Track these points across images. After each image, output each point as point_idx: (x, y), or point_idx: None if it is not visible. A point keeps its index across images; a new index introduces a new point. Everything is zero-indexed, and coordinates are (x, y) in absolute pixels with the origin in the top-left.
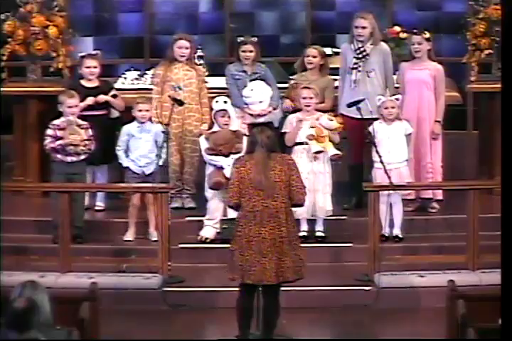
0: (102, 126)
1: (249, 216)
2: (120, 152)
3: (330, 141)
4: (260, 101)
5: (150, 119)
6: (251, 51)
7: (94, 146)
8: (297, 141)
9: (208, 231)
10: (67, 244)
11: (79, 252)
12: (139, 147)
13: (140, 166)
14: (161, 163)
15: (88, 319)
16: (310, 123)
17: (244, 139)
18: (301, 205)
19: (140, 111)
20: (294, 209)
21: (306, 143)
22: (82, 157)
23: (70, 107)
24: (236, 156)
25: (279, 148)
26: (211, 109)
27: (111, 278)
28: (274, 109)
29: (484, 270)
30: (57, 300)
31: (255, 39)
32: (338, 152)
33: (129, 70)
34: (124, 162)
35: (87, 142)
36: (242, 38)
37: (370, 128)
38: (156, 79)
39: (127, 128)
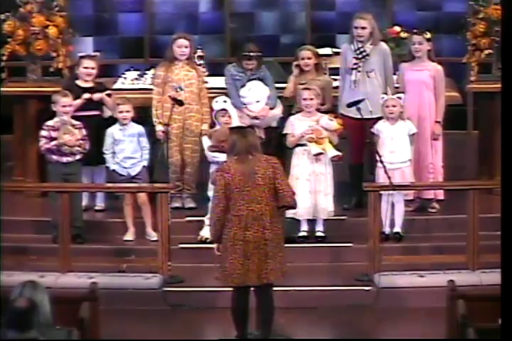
0: (96, 126)
1: (234, 220)
2: (108, 156)
3: (329, 142)
4: (257, 101)
5: (132, 120)
6: (253, 63)
7: (89, 146)
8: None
9: (208, 231)
10: (67, 244)
11: (79, 252)
12: (123, 148)
13: (125, 167)
14: (145, 164)
15: (88, 319)
16: (310, 125)
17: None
18: (292, 207)
19: (121, 112)
20: (292, 211)
21: (306, 145)
22: (78, 157)
23: (63, 106)
24: None
25: (261, 150)
26: (211, 109)
27: (111, 278)
28: (271, 108)
29: (484, 270)
30: (57, 300)
31: (260, 53)
32: (339, 153)
33: (128, 70)
34: (111, 165)
35: (81, 142)
36: (246, 53)
37: (374, 129)
38: (157, 80)
39: (110, 131)
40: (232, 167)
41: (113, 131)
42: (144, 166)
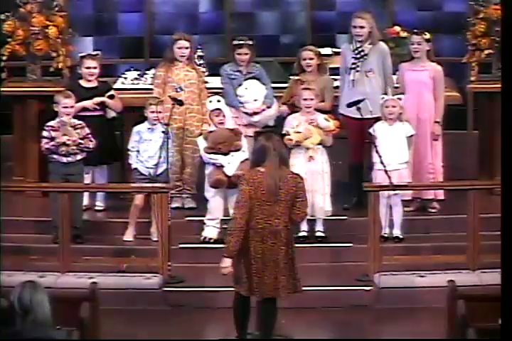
0: (99, 126)
1: (252, 233)
2: (133, 153)
3: (319, 143)
4: (255, 100)
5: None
6: (246, 54)
7: (94, 144)
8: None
9: (211, 231)
10: (67, 244)
11: (79, 252)
12: (148, 148)
13: (147, 167)
14: (166, 167)
15: (88, 319)
16: (300, 127)
17: (243, 138)
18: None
19: (152, 112)
20: None
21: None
22: (79, 157)
23: (65, 107)
24: (236, 154)
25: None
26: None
27: (111, 278)
28: (268, 107)
29: (484, 270)
30: (57, 300)
31: (251, 42)
32: (320, 138)
33: (129, 70)
34: (134, 163)
35: (81, 141)
36: (237, 42)
37: (371, 129)
38: (157, 80)
39: (138, 129)
40: (256, 180)
41: (140, 130)
42: (166, 168)
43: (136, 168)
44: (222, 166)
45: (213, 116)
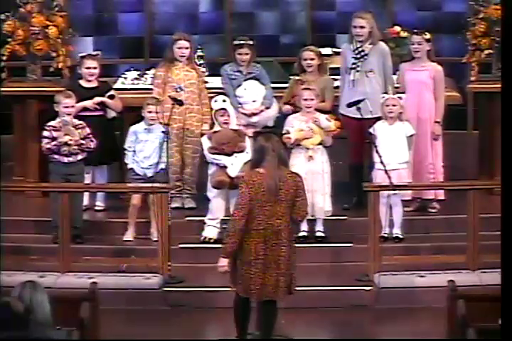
0: (99, 126)
1: (253, 234)
2: (130, 153)
3: (319, 143)
4: (253, 101)
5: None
6: (247, 54)
7: (95, 144)
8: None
9: (211, 231)
10: (67, 244)
11: (79, 252)
12: (144, 148)
13: (143, 168)
14: (163, 167)
15: (88, 319)
16: (302, 125)
17: (247, 139)
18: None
19: (150, 112)
20: None
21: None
22: (80, 157)
23: (66, 107)
24: (239, 155)
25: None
26: (212, 110)
27: (111, 278)
28: (267, 108)
29: (484, 270)
30: (57, 300)
31: (251, 42)
32: (321, 138)
33: (129, 70)
34: (130, 164)
35: (83, 141)
36: (238, 41)
37: (371, 129)
38: (157, 80)
39: (134, 129)
40: (256, 182)
41: (137, 130)
42: (162, 168)
43: (132, 168)
44: (225, 167)
45: (218, 116)
